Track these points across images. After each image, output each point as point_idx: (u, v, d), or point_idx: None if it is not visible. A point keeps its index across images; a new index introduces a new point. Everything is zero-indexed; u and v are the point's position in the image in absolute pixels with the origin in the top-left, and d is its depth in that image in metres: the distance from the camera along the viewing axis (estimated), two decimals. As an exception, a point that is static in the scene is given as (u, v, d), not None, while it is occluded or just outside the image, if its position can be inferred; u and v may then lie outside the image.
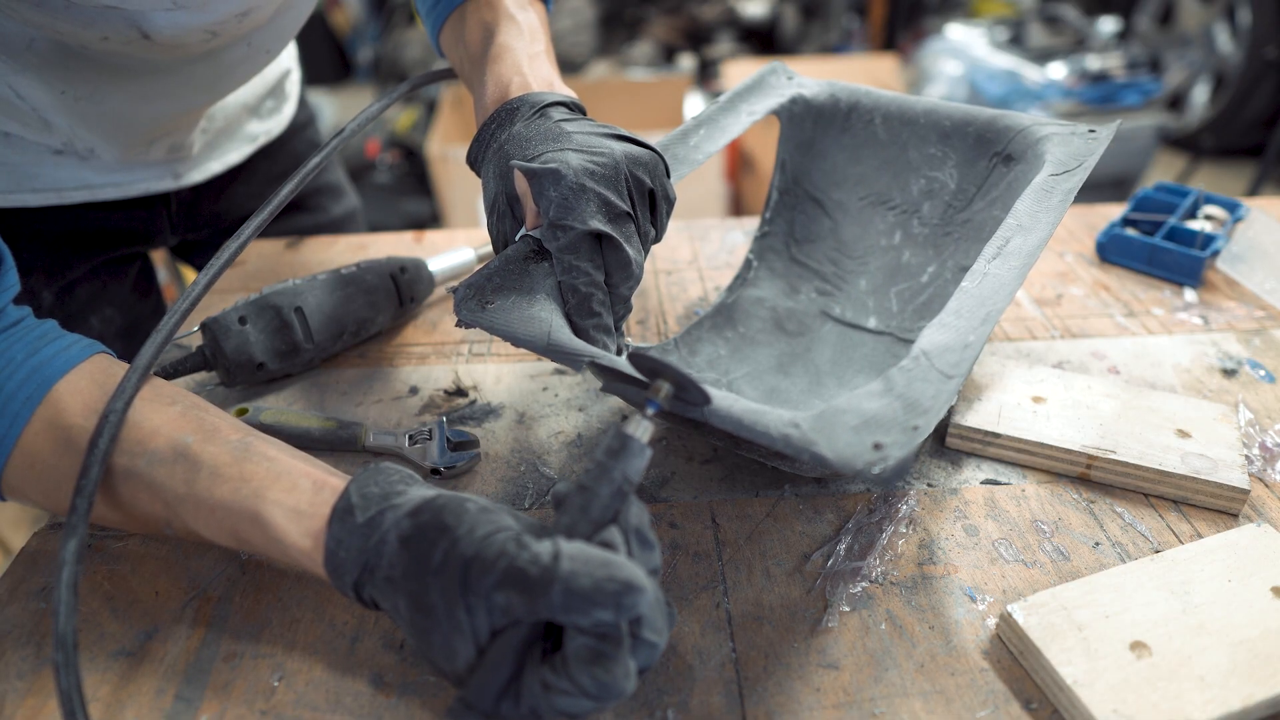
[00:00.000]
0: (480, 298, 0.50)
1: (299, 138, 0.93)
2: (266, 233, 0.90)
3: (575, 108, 0.57)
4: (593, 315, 0.51)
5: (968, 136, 0.66)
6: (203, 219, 0.86)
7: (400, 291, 0.70)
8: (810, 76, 0.75)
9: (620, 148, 0.51)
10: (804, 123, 0.72)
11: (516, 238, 0.54)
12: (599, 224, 0.49)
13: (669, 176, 0.55)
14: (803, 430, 0.38)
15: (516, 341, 0.48)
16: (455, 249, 0.78)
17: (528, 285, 0.51)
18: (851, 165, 0.71)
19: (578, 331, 0.51)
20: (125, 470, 0.43)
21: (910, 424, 0.38)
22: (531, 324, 0.48)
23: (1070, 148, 0.58)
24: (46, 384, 0.44)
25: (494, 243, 0.57)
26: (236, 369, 0.62)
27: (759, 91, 0.72)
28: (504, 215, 0.55)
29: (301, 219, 0.94)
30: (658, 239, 0.55)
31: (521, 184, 0.52)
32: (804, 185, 0.73)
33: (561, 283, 0.51)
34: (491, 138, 0.56)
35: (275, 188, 0.55)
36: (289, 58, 0.90)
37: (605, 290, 0.51)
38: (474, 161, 0.58)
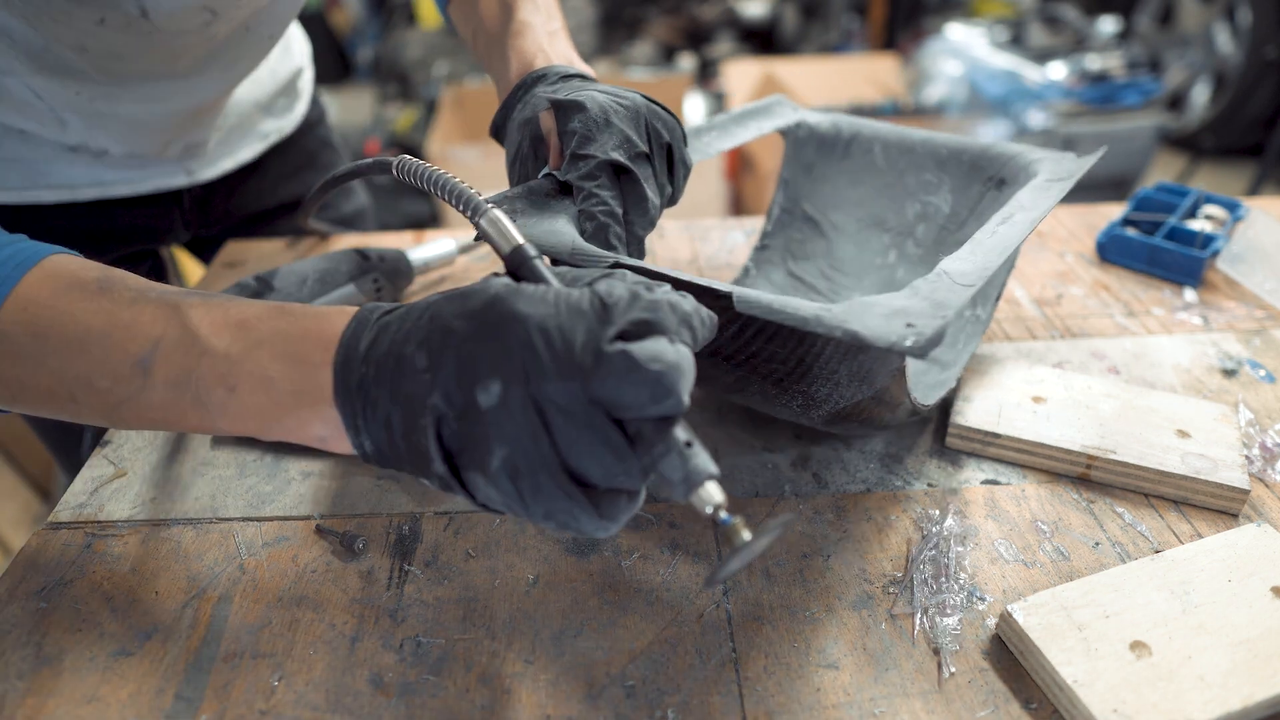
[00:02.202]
0: (506, 208, 0.51)
1: (310, 135, 0.94)
2: (272, 231, 0.90)
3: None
4: (608, 247, 0.51)
5: (962, 163, 0.68)
6: (215, 216, 0.86)
7: (379, 281, 0.70)
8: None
9: (643, 99, 0.54)
10: (807, 147, 0.75)
11: (539, 176, 0.55)
12: (619, 156, 0.50)
13: (685, 145, 0.56)
14: (834, 313, 0.40)
15: (540, 249, 0.48)
16: (437, 239, 0.80)
17: (549, 214, 0.52)
18: (850, 190, 0.74)
19: None
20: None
21: (938, 315, 0.40)
22: (554, 235, 0.49)
23: (1060, 166, 0.61)
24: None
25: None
26: None
27: (766, 114, 0.75)
28: (526, 158, 0.56)
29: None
30: (674, 201, 0.56)
31: (547, 122, 0.54)
32: (803, 206, 0.77)
33: (581, 211, 0.51)
34: (517, 103, 0.57)
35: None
36: (301, 56, 0.91)
37: (622, 225, 0.52)
38: (498, 129, 0.59)
